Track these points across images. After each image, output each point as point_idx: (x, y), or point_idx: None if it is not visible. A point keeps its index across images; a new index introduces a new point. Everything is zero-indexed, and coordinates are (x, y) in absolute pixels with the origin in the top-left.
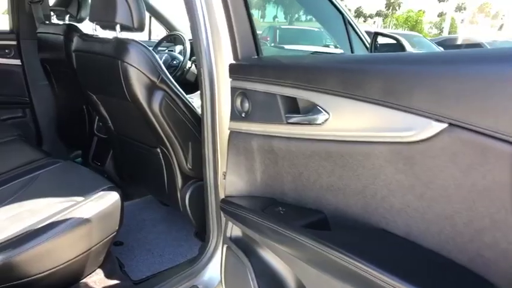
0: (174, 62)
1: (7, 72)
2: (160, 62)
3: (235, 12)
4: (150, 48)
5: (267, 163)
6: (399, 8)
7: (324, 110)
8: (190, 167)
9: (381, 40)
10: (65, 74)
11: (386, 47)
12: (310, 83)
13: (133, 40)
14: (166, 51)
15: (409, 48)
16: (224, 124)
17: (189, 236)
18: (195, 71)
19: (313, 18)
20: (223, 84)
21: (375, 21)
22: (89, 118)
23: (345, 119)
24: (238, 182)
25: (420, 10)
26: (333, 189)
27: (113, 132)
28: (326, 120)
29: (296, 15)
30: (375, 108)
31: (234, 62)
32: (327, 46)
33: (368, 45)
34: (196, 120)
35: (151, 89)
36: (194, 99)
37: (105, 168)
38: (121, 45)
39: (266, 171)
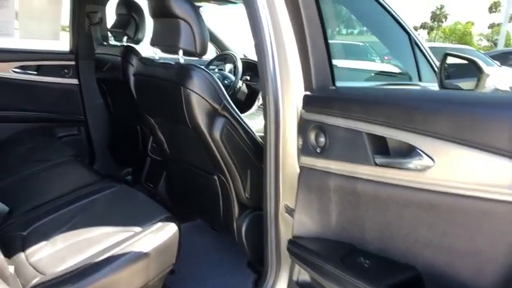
0: (225, 82)
1: (65, 91)
2: (223, 88)
3: (312, 38)
4: (213, 75)
5: (346, 206)
6: (445, 20)
7: (426, 154)
8: (248, 196)
9: (449, 60)
10: (121, 94)
11: (452, 67)
12: (408, 123)
13: (196, 66)
14: (217, 69)
15: (487, 70)
16: (288, 156)
17: (241, 266)
18: (246, 90)
19: (355, 32)
20: (290, 114)
21: (419, 34)
22: (142, 138)
23: (457, 169)
24: (308, 222)
25: (468, 22)
26: (432, 246)
27: (168, 155)
28: (429, 167)
29: (337, 29)
30: (502, 160)
31: (307, 92)
32: (373, 61)
33: (436, 67)
34: (256, 148)
35: (213, 115)
36: (245, 120)
37: (157, 190)
38: (184, 71)
39: (344, 214)
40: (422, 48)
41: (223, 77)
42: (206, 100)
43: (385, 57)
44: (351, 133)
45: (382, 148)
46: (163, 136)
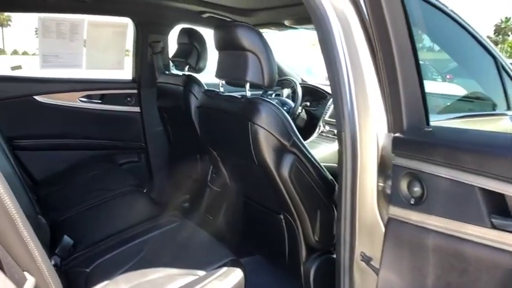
0: (284, 108)
1: (127, 118)
2: (292, 123)
3: (404, 70)
4: (282, 109)
5: (448, 269)
6: None
7: None
8: (317, 239)
9: None
10: (181, 123)
11: None
12: None
13: (264, 99)
14: (274, 95)
15: None
16: (367, 200)
17: None
18: (305, 116)
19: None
20: (369, 154)
21: None
22: (201, 167)
23: None
24: (397, 282)
25: None
26: None
27: (230, 188)
28: None
29: None
30: None
31: (397, 134)
32: (435, 80)
33: None
34: (326, 185)
35: (281, 152)
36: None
37: (217, 222)
38: (251, 105)
39: (444, 279)
40: (510, 72)
41: (282, 103)
42: (275, 136)
43: (447, 76)
44: (458, 186)
45: (500, 207)
46: (225, 169)
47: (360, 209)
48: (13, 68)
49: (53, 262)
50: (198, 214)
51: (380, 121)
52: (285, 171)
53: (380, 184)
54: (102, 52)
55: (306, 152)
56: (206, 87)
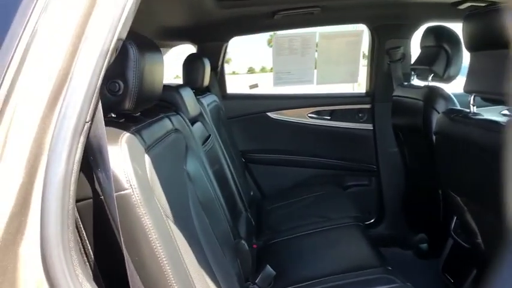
0: None
1: (358, 136)
2: None
3: None
4: None
5: None
6: None
7: None
8: None
9: None
10: (420, 146)
11: None
12: None
13: None
14: None
15: None
16: None
17: None
18: None
19: None
20: None
21: None
22: (443, 207)
23: None
24: None
25: None
26: None
27: (482, 251)
28: None
29: None
30: None
31: None
32: None
33: None
34: None
35: None
36: None
37: None
38: None
39: None
40: None
41: None
42: None
43: None
44: None
45: None
46: (476, 225)
47: None
48: (251, 87)
49: None
50: (434, 266)
51: None
52: None
53: None
54: (334, 65)
55: None
56: (457, 104)
